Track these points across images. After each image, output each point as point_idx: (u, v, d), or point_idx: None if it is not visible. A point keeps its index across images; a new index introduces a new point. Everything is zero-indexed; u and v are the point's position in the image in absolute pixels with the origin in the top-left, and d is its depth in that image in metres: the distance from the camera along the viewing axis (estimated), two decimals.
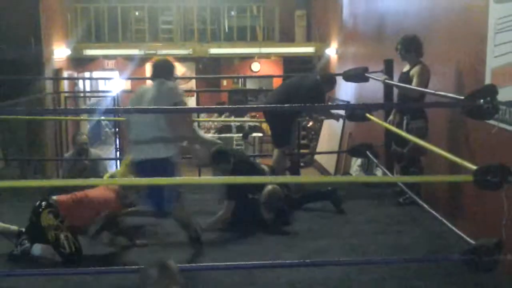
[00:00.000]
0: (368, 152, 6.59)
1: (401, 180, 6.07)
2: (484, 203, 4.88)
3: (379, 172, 7.29)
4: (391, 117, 6.23)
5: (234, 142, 14.86)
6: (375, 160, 6.61)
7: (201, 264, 4.61)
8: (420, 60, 5.99)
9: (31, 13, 11.30)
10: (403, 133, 5.64)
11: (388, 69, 6.80)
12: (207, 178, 5.84)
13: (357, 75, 6.59)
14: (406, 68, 6.13)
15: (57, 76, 12.45)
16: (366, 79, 6.50)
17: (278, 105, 5.43)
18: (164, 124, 4.67)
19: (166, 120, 4.66)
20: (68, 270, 4.48)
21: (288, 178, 5.00)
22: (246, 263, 4.49)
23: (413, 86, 5.80)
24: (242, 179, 5.08)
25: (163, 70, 5.01)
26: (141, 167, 4.69)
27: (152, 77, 5.01)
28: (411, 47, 6.05)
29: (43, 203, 4.85)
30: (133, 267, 3.97)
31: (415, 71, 5.93)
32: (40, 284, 4.28)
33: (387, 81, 6.20)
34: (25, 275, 4.34)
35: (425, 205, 5.12)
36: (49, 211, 4.79)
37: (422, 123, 5.94)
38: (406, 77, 6.01)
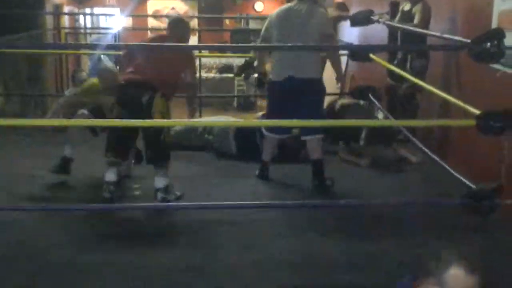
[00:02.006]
0: (370, 95, 6.56)
1: (403, 124, 6.07)
2: (478, 146, 4.89)
3: (380, 115, 7.27)
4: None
5: (236, 82, 14.77)
6: (377, 103, 6.58)
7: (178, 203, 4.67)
8: None
9: None
10: (402, 72, 5.78)
11: (394, 11, 6.76)
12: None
13: (363, 19, 6.51)
14: (407, 6, 6.26)
15: (57, 11, 12.27)
16: (372, 22, 6.44)
17: (284, 45, 5.28)
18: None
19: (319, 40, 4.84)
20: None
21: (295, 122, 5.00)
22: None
23: (415, 22, 5.99)
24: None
25: None
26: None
27: None
28: None
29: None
30: None
31: (417, 8, 6.05)
32: None
33: (387, 22, 6.19)
34: None
35: (422, 147, 5.15)
36: (161, 95, 4.56)
37: (424, 62, 6.07)
38: (408, 15, 6.13)
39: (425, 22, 5.98)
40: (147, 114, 4.42)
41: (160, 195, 4.60)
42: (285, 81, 4.97)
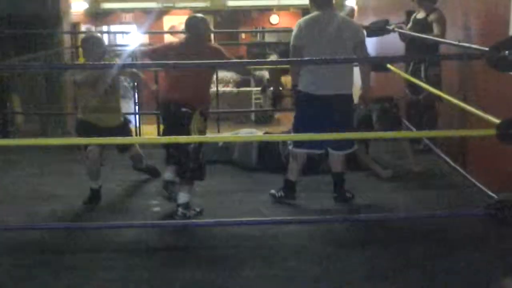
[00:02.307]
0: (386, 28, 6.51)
1: (425, 135, 6.05)
2: (499, 154, 4.83)
3: None
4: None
5: (253, 96, 14.79)
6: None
7: (199, 221, 4.63)
8: (436, 7, 6.08)
9: None
10: (418, 81, 5.80)
11: (409, 21, 6.74)
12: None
13: (379, 29, 6.50)
14: (420, 15, 6.25)
15: (74, 30, 12.39)
16: (388, 32, 6.43)
17: (306, 59, 5.06)
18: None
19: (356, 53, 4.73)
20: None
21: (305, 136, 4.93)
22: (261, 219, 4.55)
23: (436, 33, 5.98)
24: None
25: None
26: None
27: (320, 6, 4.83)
28: None
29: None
30: None
31: (434, 18, 6.07)
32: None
33: (404, 31, 6.18)
34: None
35: (444, 157, 5.11)
36: (200, 113, 4.59)
37: (438, 70, 6.06)
38: (424, 24, 6.10)
39: (443, 33, 5.98)
40: (185, 131, 4.44)
41: (180, 210, 4.59)
42: (320, 95, 4.75)
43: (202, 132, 4.59)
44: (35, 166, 6.15)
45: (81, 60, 5.23)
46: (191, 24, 4.84)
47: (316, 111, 4.80)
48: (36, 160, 6.23)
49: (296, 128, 5.01)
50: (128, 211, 4.90)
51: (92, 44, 5.04)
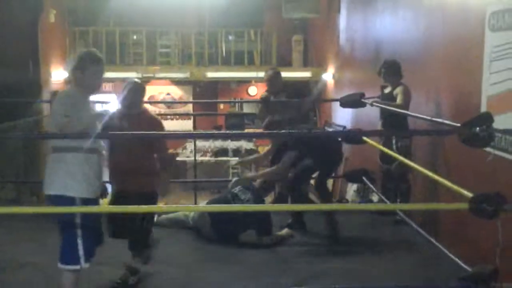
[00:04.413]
0: (364, 178, 6.61)
1: (398, 208, 6.11)
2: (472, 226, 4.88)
3: (375, 198, 7.30)
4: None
5: (230, 166, 14.84)
6: (371, 186, 6.62)
7: None
8: (401, 82, 6.33)
9: (29, 36, 11.36)
10: (390, 152, 5.90)
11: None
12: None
13: (354, 101, 6.65)
14: (387, 89, 6.49)
15: (53, 99, 12.47)
16: (363, 105, 6.58)
17: (275, 132, 5.14)
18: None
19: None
20: None
21: (283, 206, 4.96)
22: None
23: (398, 102, 6.25)
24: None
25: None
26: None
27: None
28: (394, 69, 6.39)
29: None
30: None
31: (399, 90, 6.33)
32: None
33: (374, 104, 6.36)
34: None
35: (418, 228, 5.15)
36: None
37: (408, 142, 6.23)
38: (389, 97, 6.36)
39: (406, 103, 6.23)
40: None
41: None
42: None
43: None
44: (8, 234, 6.07)
45: None
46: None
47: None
48: (10, 228, 6.16)
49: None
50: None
51: None
